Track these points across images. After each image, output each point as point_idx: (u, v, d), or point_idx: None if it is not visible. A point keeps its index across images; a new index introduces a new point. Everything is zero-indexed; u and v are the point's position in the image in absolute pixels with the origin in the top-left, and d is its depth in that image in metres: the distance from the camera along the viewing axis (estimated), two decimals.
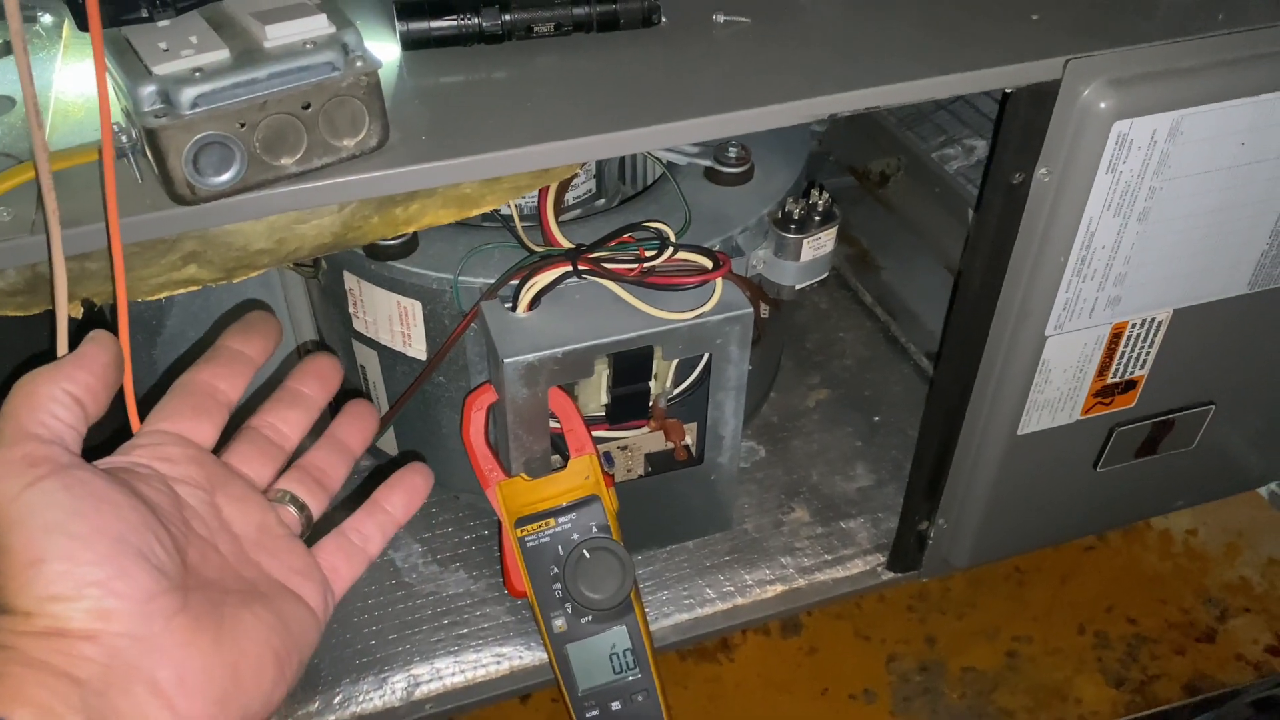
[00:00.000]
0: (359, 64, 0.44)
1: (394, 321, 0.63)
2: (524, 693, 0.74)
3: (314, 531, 0.45)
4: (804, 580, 0.77)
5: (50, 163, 0.41)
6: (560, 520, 0.56)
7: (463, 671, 0.71)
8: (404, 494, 0.47)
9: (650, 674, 0.58)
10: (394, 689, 0.70)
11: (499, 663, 0.71)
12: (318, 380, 0.47)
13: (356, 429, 0.48)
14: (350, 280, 0.63)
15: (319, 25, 0.43)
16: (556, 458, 0.60)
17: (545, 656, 0.70)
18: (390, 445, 0.73)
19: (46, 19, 0.58)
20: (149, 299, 0.46)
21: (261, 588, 0.39)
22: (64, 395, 0.37)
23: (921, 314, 0.95)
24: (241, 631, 0.37)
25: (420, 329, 0.62)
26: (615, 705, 0.58)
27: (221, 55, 0.42)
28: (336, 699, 0.69)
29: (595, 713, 0.58)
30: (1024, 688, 0.96)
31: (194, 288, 0.46)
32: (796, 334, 0.98)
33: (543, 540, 0.56)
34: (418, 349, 0.63)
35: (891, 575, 0.78)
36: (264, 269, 0.47)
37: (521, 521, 0.56)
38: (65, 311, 0.39)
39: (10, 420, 0.36)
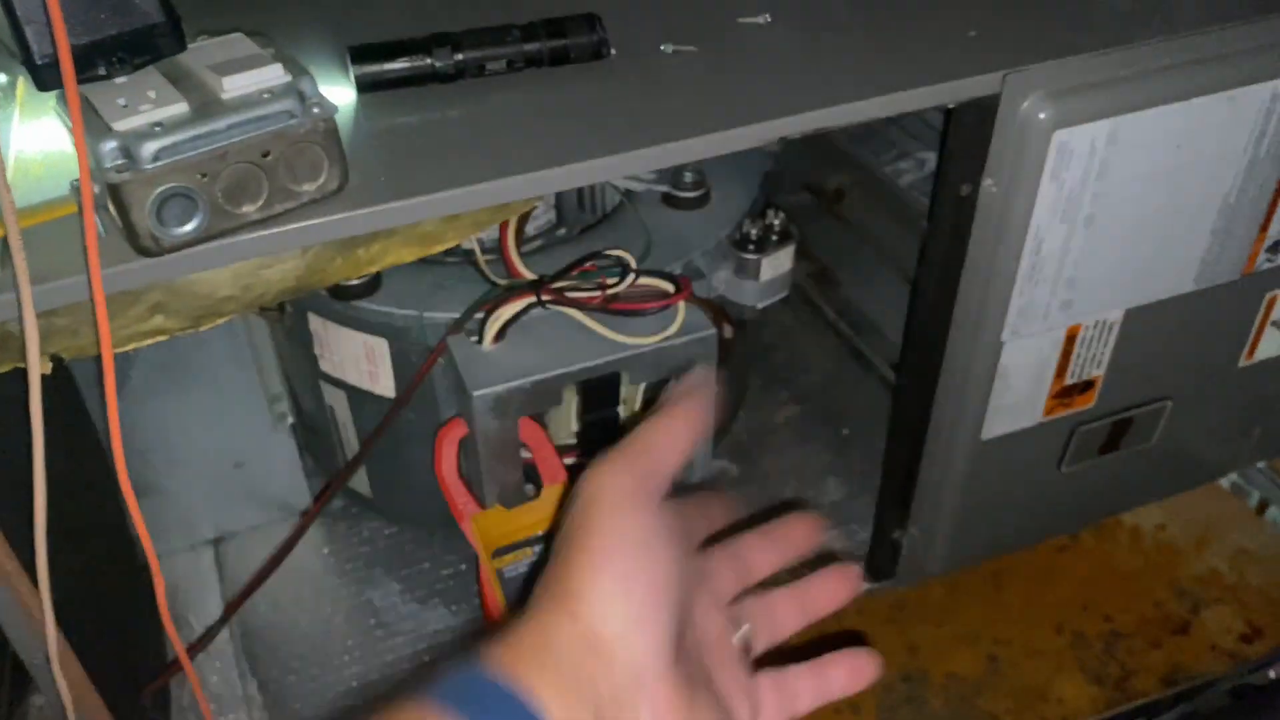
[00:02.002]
0: (315, 110, 0.45)
1: (360, 360, 0.63)
2: None
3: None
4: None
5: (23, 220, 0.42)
6: (537, 549, 0.56)
7: None
8: (848, 673, 0.44)
9: None
10: None
11: None
12: (804, 533, 0.47)
13: (831, 592, 0.46)
14: (315, 322, 0.63)
15: (275, 75, 0.44)
16: (530, 487, 0.60)
17: None
18: (363, 485, 0.74)
19: (0, 77, 0.58)
20: (117, 351, 0.46)
21: (711, 687, 0.40)
22: (682, 451, 0.39)
23: (884, 327, 0.97)
24: (699, 711, 0.38)
25: (387, 366, 0.63)
26: None
27: (180, 108, 0.43)
28: None
29: None
30: (1006, 690, 0.98)
31: (161, 337, 0.47)
32: (762, 352, 0.99)
33: (520, 570, 0.56)
34: (385, 386, 0.64)
35: (869, 585, 0.79)
36: (230, 315, 0.47)
37: (499, 552, 0.56)
38: (37, 369, 0.39)
39: (651, 452, 0.38)
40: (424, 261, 0.61)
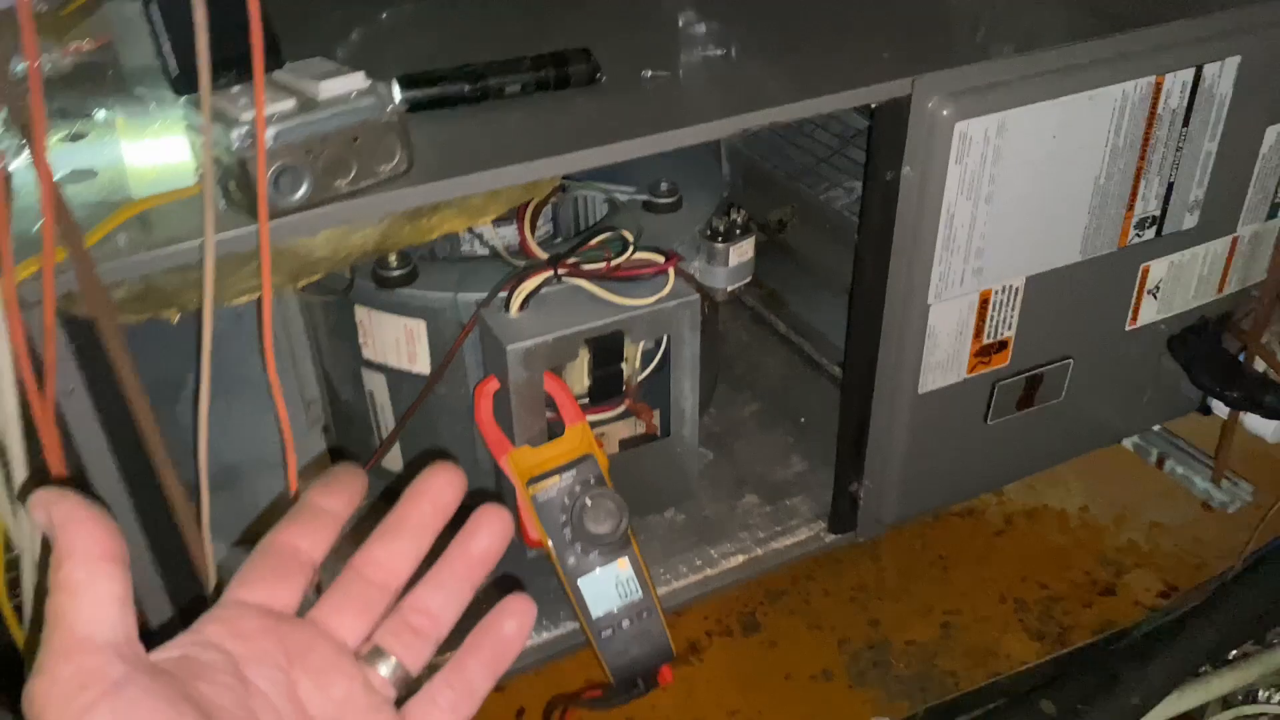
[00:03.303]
0: (390, 107, 0.58)
1: (401, 343, 0.75)
2: (529, 671, 0.84)
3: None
4: (760, 550, 0.90)
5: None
6: (564, 476, 0.68)
7: None
8: (490, 654, 0.41)
9: (650, 595, 0.70)
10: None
11: None
12: (432, 503, 0.42)
13: (479, 552, 0.42)
14: (361, 312, 0.75)
15: (359, 81, 0.58)
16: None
17: (550, 635, 0.81)
18: (395, 462, 0.85)
19: (100, 114, 0.71)
20: (235, 303, 0.58)
21: None
22: (115, 586, 0.34)
23: (828, 334, 1.11)
24: None
25: (424, 346, 0.75)
26: (625, 624, 0.69)
27: (289, 104, 0.56)
28: None
29: (609, 633, 0.69)
30: (960, 651, 1.10)
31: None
32: (726, 364, 1.13)
33: (550, 495, 0.68)
34: (422, 365, 0.76)
35: (833, 537, 0.91)
36: (322, 274, 0.60)
37: (532, 481, 0.68)
38: (210, 314, 0.50)
39: (60, 625, 0.34)
40: (453, 258, 0.75)
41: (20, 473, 0.53)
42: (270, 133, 0.54)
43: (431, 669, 0.42)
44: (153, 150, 0.65)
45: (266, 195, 0.55)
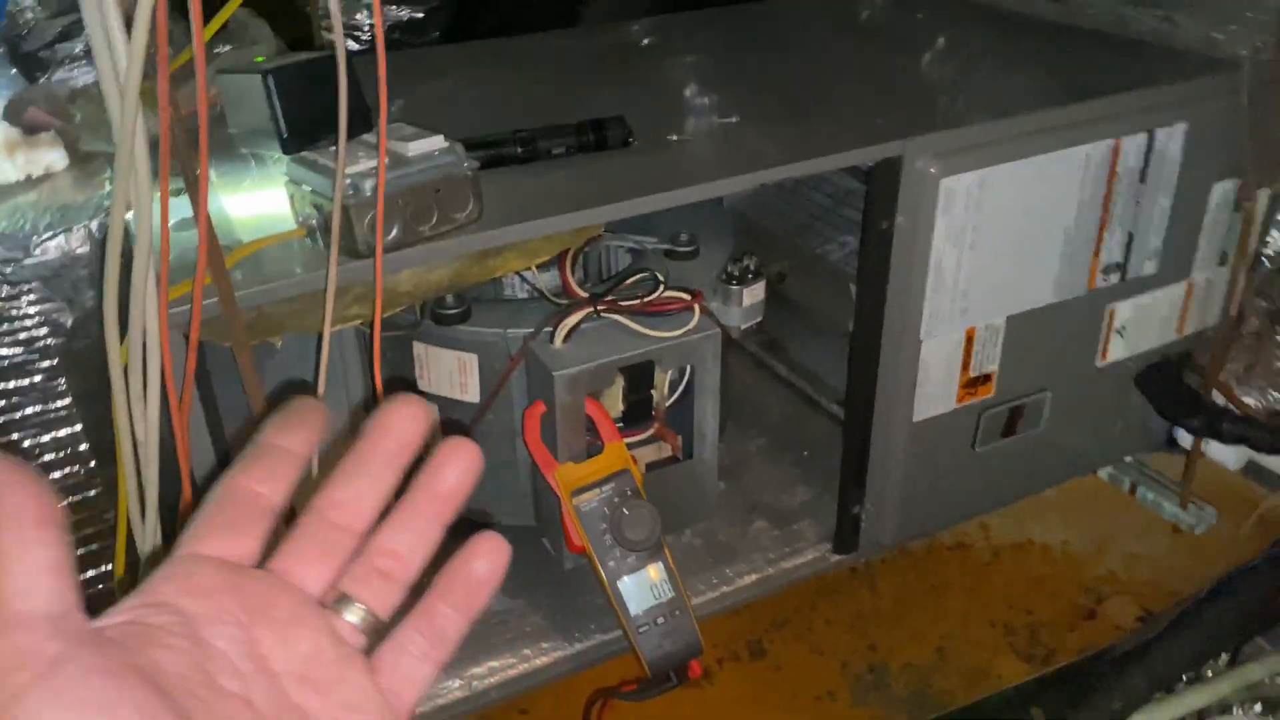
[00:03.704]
0: (466, 164, 0.68)
1: (454, 374, 0.85)
2: (568, 676, 0.92)
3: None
4: (771, 569, 0.99)
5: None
6: (604, 489, 0.77)
7: (516, 665, 0.89)
8: (461, 597, 0.38)
9: (681, 595, 0.78)
10: (464, 684, 0.87)
11: (544, 654, 0.90)
12: (395, 439, 0.38)
13: (446, 488, 0.38)
14: (419, 348, 0.85)
15: (440, 142, 0.68)
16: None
17: (580, 646, 0.89)
18: None
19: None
20: (330, 330, 0.67)
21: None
22: (49, 553, 0.31)
23: (826, 376, 1.21)
24: None
25: (475, 377, 0.84)
26: (659, 620, 0.77)
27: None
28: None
29: (646, 629, 0.77)
30: (955, 673, 1.18)
31: (358, 321, 0.68)
32: (733, 405, 1.22)
33: (592, 505, 0.77)
34: (472, 394, 0.85)
35: (838, 557, 1.00)
36: (405, 306, 0.69)
37: (576, 493, 0.77)
38: (329, 337, 0.59)
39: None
40: (497, 300, 0.84)
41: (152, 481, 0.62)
42: (370, 183, 0.64)
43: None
44: (252, 202, 0.75)
45: (363, 238, 0.65)
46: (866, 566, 1.32)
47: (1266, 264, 0.99)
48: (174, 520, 0.66)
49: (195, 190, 0.54)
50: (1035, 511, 1.39)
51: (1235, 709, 1.15)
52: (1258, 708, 1.15)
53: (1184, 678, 1.15)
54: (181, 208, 0.75)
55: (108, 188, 0.80)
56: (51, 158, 0.75)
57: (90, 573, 0.88)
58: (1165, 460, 1.22)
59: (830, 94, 0.94)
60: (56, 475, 0.80)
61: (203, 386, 0.67)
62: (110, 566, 0.89)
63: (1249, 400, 1.02)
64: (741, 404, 1.21)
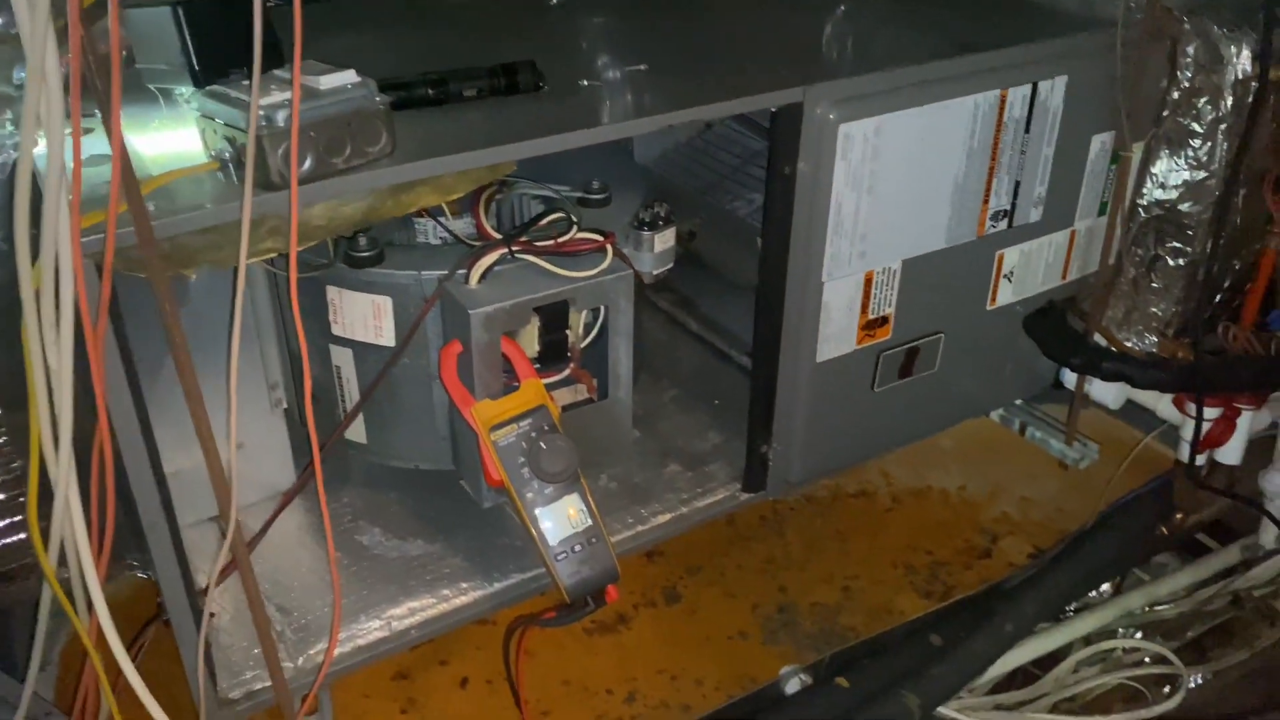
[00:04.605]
0: (379, 97, 0.69)
1: (368, 318, 0.85)
2: (488, 614, 0.94)
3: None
4: (685, 508, 1.02)
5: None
6: (521, 424, 0.79)
7: (436, 605, 0.91)
8: None
9: (598, 524, 0.81)
10: (384, 624, 0.89)
11: (463, 594, 0.92)
12: None
13: None
14: (332, 292, 0.86)
15: (352, 76, 0.69)
16: None
17: (499, 585, 0.91)
18: (359, 433, 0.94)
19: None
20: (249, 263, 0.68)
21: None
22: None
23: (736, 330, 1.24)
24: None
25: (390, 320, 0.85)
26: (577, 548, 0.80)
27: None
28: (341, 636, 0.87)
29: (564, 556, 0.79)
30: (859, 610, 1.24)
31: (271, 254, 0.69)
32: (646, 358, 1.25)
33: (510, 440, 0.78)
34: (388, 338, 0.86)
35: (747, 496, 1.03)
36: (319, 240, 0.70)
37: (493, 429, 0.78)
38: (244, 272, 0.60)
39: None
40: (415, 245, 0.86)
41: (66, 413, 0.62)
42: (282, 114, 0.65)
43: None
44: (162, 139, 0.74)
45: (277, 168, 0.65)
46: (775, 514, 1.37)
47: (1142, 214, 1.05)
48: (88, 452, 0.66)
49: (109, 112, 0.55)
50: (934, 459, 1.46)
51: (1119, 632, 1.23)
52: (1138, 634, 1.23)
53: (1070, 607, 1.22)
54: (90, 145, 0.75)
55: (9, 128, 0.79)
56: None
57: (1, 523, 0.87)
58: (1053, 404, 1.29)
59: (736, 46, 0.98)
60: None
61: (115, 325, 0.67)
62: (22, 517, 0.88)
63: (1129, 344, 1.08)
64: (655, 358, 1.24)
